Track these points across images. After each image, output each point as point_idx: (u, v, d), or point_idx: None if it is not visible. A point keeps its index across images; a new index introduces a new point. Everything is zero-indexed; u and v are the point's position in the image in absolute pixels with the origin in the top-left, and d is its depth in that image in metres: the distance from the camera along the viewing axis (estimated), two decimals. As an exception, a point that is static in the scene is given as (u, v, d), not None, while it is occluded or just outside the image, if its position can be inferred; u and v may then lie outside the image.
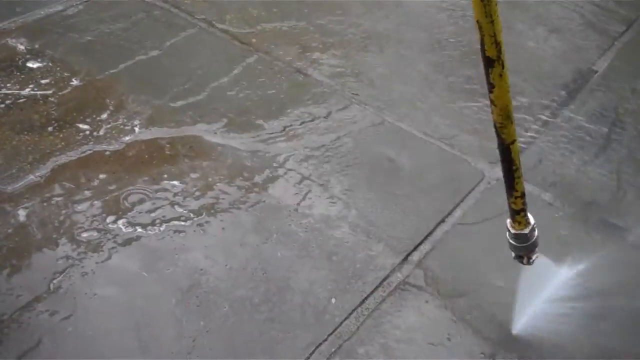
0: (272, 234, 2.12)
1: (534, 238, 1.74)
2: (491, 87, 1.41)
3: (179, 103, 2.58)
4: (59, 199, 2.16)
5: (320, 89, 2.73)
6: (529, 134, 2.57)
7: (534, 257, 1.79)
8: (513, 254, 1.79)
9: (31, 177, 2.22)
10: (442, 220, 2.21)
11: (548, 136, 2.57)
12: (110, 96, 2.57)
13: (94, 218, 2.11)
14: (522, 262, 1.80)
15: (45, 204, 2.14)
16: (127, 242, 2.05)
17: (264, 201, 2.22)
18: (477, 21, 1.31)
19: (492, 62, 1.37)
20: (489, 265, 2.06)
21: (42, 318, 1.84)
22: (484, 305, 1.95)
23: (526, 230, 1.71)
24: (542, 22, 3.27)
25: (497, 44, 1.34)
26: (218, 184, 2.26)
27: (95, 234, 2.06)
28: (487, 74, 1.40)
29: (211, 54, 2.87)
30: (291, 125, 2.54)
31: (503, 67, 1.38)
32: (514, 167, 1.57)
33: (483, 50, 1.36)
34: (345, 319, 1.90)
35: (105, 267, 1.97)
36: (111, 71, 2.70)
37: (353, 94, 2.71)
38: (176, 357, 1.77)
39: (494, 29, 1.32)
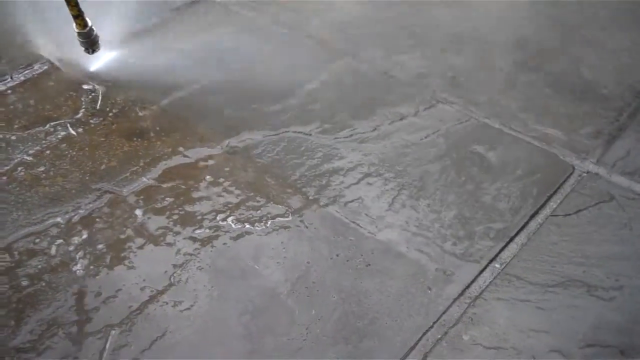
0: (371, 228, 2.22)
1: (93, 35, 2.62)
2: None
3: (275, 107, 2.71)
4: (171, 199, 2.31)
5: (407, 89, 2.82)
6: (614, 127, 2.62)
7: (97, 50, 2.70)
8: (83, 49, 2.67)
9: (144, 179, 2.38)
10: (536, 212, 2.28)
11: (634, 128, 2.61)
12: (208, 103, 2.72)
13: (204, 216, 2.25)
14: (88, 53, 2.70)
15: (159, 204, 2.29)
16: (238, 237, 2.18)
17: (360, 198, 2.32)
18: None
19: None
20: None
21: (166, 309, 1.98)
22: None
23: (85, 30, 2.58)
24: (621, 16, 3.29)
25: None
26: (315, 182, 2.37)
27: (207, 230, 2.20)
28: None
29: (300, 59, 3.00)
30: (381, 125, 2.64)
31: None
32: None
33: None
34: (449, 306, 1.99)
35: (219, 260, 2.11)
36: (210, 79, 2.85)
37: (438, 92, 2.80)
38: (292, 343, 1.89)
39: None
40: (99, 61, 2.90)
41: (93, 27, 2.61)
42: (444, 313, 1.97)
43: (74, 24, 2.56)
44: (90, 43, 2.65)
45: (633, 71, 2.92)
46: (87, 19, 2.57)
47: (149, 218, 2.24)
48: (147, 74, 2.86)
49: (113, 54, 2.93)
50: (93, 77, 2.83)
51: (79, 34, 2.60)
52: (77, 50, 2.79)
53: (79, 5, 2.49)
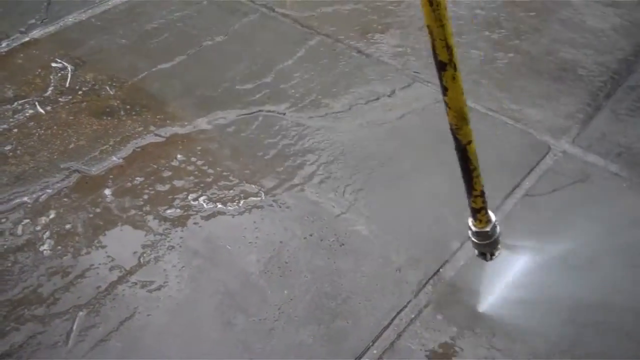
0: (345, 208, 2.19)
1: (496, 235, 1.77)
2: (444, 90, 1.41)
3: (247, 86, 2.66)
4: (141, 178, 2.26)
5: (382, 68, 2.78)
6: (590, 107, 2.60)
7: (496, 254, 1.83)
8: (476, 251, 1.83)
9: (114, 158, 2.33)
10: (511, 192, 2.26)
11: (610, 108, 2.59)
12: (180, 81, 2.67)
13: (176, 196, 2.21)
14: (484, 259, 1.84)
15: (129, 183, 2.24)
16: (210, 217, 2.14)
17: (334, 178, 2.29)
18: (428, 26, 1.31)
19: (445, 65, 1.37)
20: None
21: (135, 289, 1.94)
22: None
23: (487, 228, 1.74)
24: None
25: (449, 48, 1.34)
26: (289, 161, 2.34)
27: (178, 210, 2.16)
28: (440, 77, 1.39)
29: (274, 38, 2.95)
30: (356, 104, 2.60)
31: (455, 69, 1.38)
32: (472, 167, 1.59)
33: (435, 54, 1.35)
34: (424, 286, 1.97)
35: (190, 240, 2.07)
36: (180, 57, 2.79)
37: (414, 72, 2.76)
38: (264, 324, 1.86)
39: (445, 32, 1.31)
40: None
41: (497, 223, 1.78)
42: (418, 292, 1.95)
43: (470, 220, 1.75)
44: (491, 245, 1.80)
45: (610, 52, 2.90)
46: (491, 212, 1.75)
47: (118, 198, 2.20)
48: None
49: None
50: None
51: (478, 233, 1.77)
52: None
53: (484, 195, 1.68)
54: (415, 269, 2.01)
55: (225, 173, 2.29)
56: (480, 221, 1.73)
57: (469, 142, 1.53)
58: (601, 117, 2.56)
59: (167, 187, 2.23)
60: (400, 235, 2.11)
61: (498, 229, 1.77)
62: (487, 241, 1.78)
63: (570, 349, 1.80)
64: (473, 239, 1.78)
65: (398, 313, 1.90)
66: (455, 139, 1.53)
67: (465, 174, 1.61)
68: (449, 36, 1.31)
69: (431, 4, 1.27)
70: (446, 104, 1.44)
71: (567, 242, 2.05)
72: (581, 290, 1.95)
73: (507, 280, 2.00)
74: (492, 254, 1.83)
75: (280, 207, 2.19)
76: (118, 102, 2.55)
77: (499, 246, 1.81)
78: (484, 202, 1.69)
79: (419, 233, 2.12)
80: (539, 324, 1.88)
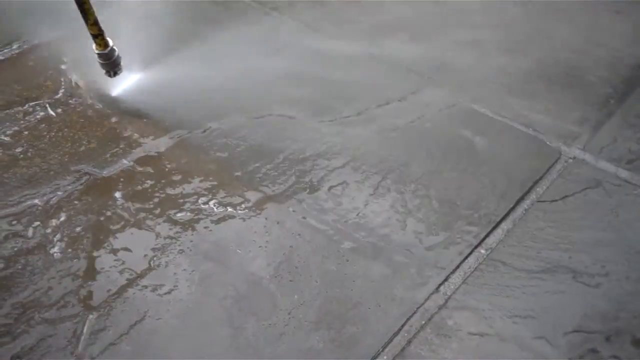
0: (355, 212, 2.19)
1: (114, 57, 2.34)
2: None
3: (255, 90, 2.66)
4: (151, 182, 2.26)
5: (393, 72, 2.78)
6: (602, 112, 2.59)
7: (118, 72, 2.41)
8: (103, 71, 2.39)
9: (124, 161, 2.33)
10: (522, 198, 2.25)
11: (622, 114, 2.58)
12: (191, 84, 2.67)
13: (186, 199, 2.21)
14: (109, 76, 2.42)
15: (139, 187, 2.24)
16: (220, 220, 2.14)
17: (345, 182, 2.29)
18: None
19: None
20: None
21: (145, 293, 1.94)
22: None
23: (106, 51, 2.31)
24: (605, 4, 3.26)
25: None
26: (299, 165, 2.34)
27: (189, 214, 2.16)
28: None
29: (285, 40, 2.95)
30: (367, 109, 2.60)
31: None
32: (82, 2, 2.14)
33: None
34: (434, 292, 1.96)
35: (201, 244, 2.07)
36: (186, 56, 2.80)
37: (425, 76, 2.76)
38: (274, 328, 1.86)
39: None
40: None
41: (115, 47, 2.34)
42: (428, 299, 1.95)
43: (94, 45, 2.30)
44: (112, 65, 2.38)
45: (622, 57, 2.89)
46: (108, 38, 2.31)
47: (128, 201, 2.20)
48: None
49: None
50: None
51: (99, 55, 2.33)
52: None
53: (99, 24, 2.23)
54: (427, 274, 2.00)
55: (235, 176, 2.28)
56: (100, 45, 2.30)
57: None
58: (612, 123, 2.56)
59: (178, 190, 2.24)
60: (412, 240, 2.10)
61: (116, 52, 2.34)
62: (108, 61, 2.34)
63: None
64: (98, 60, 2.34)
65: (408, 319, 1.89)
66: None
67: (80, 8, 2.15)
68: None
69: None
70: None
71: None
72: None
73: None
74: (115, 72, 2.41)
75: (290, 211, 2.18)
76: (128, 104, 2.55)
77: (120, 67, 2.40)
78: (100, 29, 2.25)
79: (432, 239, 2.11)
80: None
